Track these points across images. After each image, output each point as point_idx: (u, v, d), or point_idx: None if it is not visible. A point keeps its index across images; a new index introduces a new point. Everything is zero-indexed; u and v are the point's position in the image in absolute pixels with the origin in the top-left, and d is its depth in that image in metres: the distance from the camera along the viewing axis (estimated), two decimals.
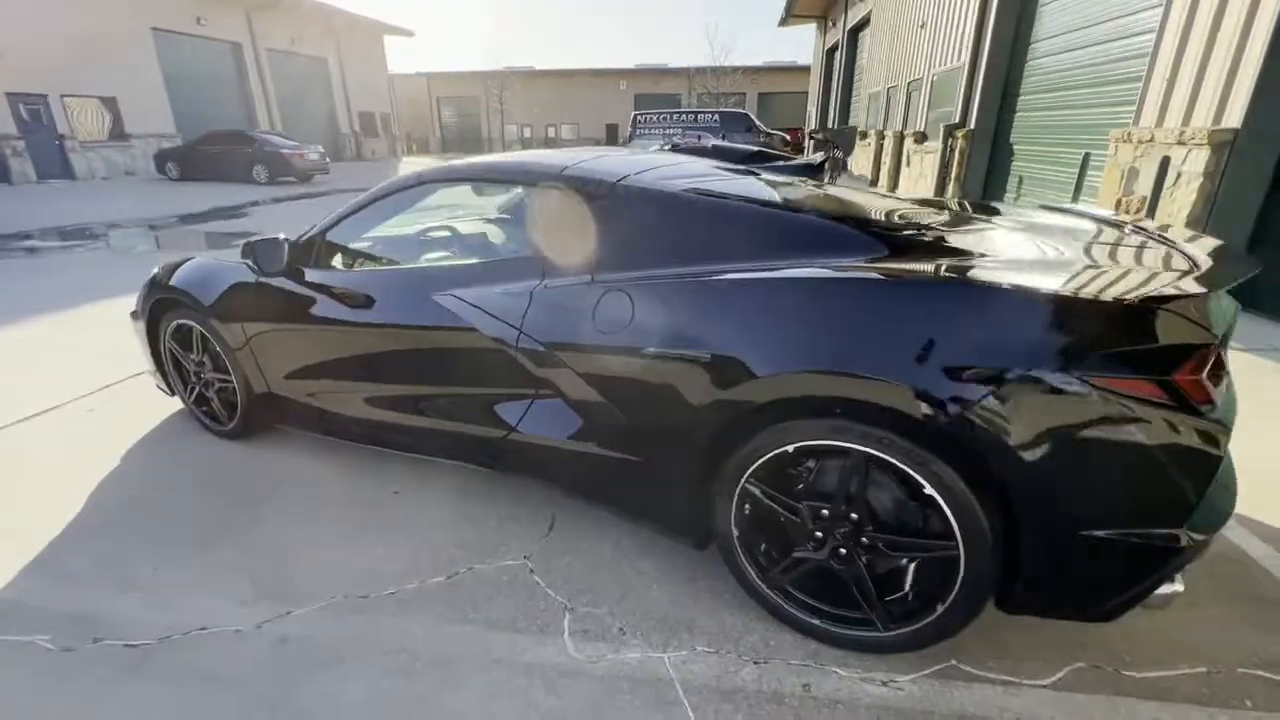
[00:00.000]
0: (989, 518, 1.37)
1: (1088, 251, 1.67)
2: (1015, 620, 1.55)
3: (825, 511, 1.57)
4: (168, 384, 2.98)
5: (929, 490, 1.39)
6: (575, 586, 1.93)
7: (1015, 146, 8.34)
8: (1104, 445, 1.23)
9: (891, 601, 1.57)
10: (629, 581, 1.95)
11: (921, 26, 11.44)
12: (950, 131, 9.34)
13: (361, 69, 28.28)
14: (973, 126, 8.93)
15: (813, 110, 25.04)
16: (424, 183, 2.31)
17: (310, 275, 2.37)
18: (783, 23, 24.83)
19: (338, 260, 2.45)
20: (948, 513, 1.39)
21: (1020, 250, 1.65)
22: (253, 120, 22.19)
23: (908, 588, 1.55)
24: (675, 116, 18.82)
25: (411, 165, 26.12)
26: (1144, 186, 5.08)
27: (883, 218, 1.91)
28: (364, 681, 1.60)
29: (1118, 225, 2.10)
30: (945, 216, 2.02)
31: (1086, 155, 6.07)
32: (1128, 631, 1.70)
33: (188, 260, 2.83)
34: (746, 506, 1.67)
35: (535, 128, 42.69)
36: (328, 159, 17.51)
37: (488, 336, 1.94)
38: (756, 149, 9.26)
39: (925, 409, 1.32)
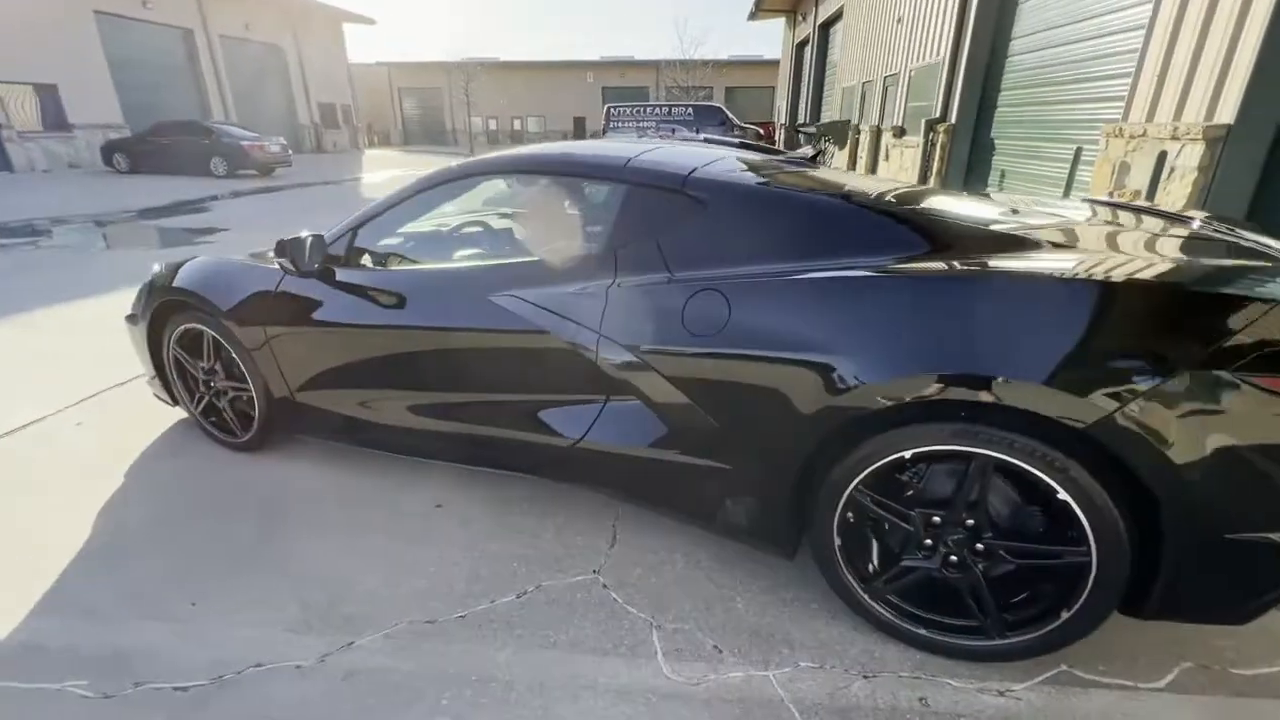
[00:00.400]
0: (1125, 522, 1.32)
1: (1189, 248, 1.65)
2: (1112, 621, 1.51)
3: (938, 518, 1.51)
4: (170, 393, 2.76)
5: (1062, 495, 1.34)
6: (654, 602, 1.83)
7: (996, 141, 8.50)
8: (1259, 445, 1.20)
9: (1008, 609, 1.51)
10: (709, 595, 1.86)
11: (898, 21, 11.56)
12: (931, 126, 9.47)
13: (320, 58, 27.21)
14: (954, 121, 9.06)
15: (782, 105, 25.17)
16: (467, 176, 2.16)
17: (348, 275, 2.20)
18: (752, 17, 24.87)
19: (377, 259, 2.28)
20: (1081, 518, 1.34)
21: (1134, 247, 1.62)
22: (206, 111, 21.15)
23: (1028, 595, 1.50)
24: (649, 109, 18.74)
25: (374, 158, 25.35)
26: (1136, 180, 5.21)
27: (978, 213, 1.85)
28: (450, 717, 1.48)
29: (1184, 220, 2.10)
30: (1027, 212, 1.98)
31: (1079, 150, 6.20)
32: (1221, 629, 1.68)
33: (191, 260, 2.62)
34: (850, 515, 1.59)
35: (501, 120, 41.97)
36: (290, 151, 16.81)
37: (561, 340, 1.82)
38: (739, 142, 9.25)
39: (1070, 412, 1.26)
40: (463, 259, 2.33)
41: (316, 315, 2.23)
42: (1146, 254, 1.54)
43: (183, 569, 1.99)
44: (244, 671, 1.60)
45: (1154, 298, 1.27)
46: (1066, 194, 6.40)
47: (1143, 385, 1.22)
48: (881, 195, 1.87)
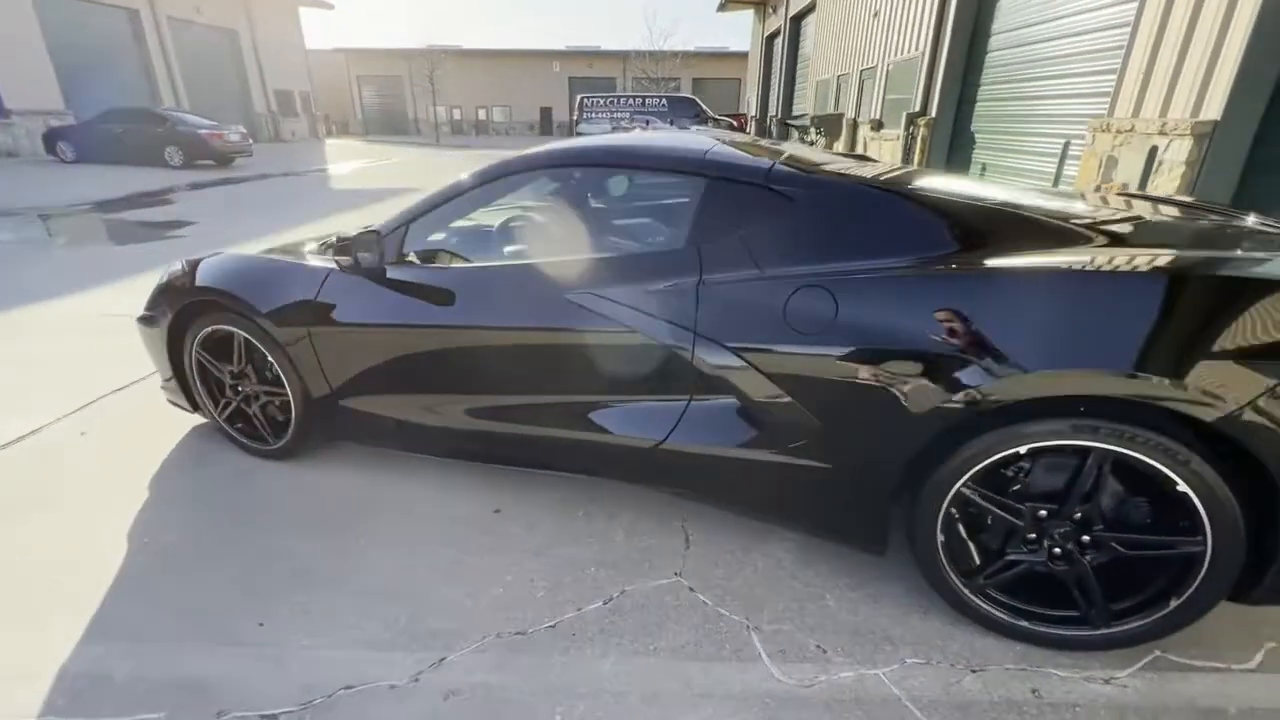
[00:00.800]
0: (1242, 510, 1.35)
1: (1268, 242, 1.69)
2: None
3: (1045, 511, 1.52)
4: (189, 399, 2.59)
5: (1181, 487, 1.36)
6: (746, 604, 1.81)
7: (977, 135, 8.70)
8: None
9: (1114, 598, 1.54)
10: (798, 593, 1.85)
11: (875, 16, 11.71)
12: (912, 120, 9.64)
13: (276, 43, 26.13)
14: (934, 115, 9.24)
15: (752, 97, 25.29)
16: (529, 169, 2.08)
17: (403, 274, 2.09)
18: (721, 8, 24.88)
19: (433, 256, 2.17)
20: (1199, 508, 1.37)
21: (1230, 244, 1.66)
22: (155, 97, 20.06)
23: (1135, 584, 1.53)
24: (623, 100, 18.56)
25: (337, 147, 24.51)
26: (1123, 174, 5.39)
27: (1058, 206, 1.87)
28: None
29: (1226, 213, 2.16)
30: (1100, 206, 2.01)
31: (1067, 143, 6.39)
32: None
33: (210, 257, 2.46)
34: (954, 511, 1.59)
35: (465, 110, 41.12)
36: (250, 141, 16.12)
37: (648, 339, 1.76)
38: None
39: (1200, 405, 1.28)
40: (529, 256, 2.24)
41: (367, 315, 2.12)
42: (1247, 250, 1.58)
43: (237, 586, 1.87)
44: (334, 694, 1.52)
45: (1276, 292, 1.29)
46: (1055, 187, 6.58)
47: (1271, 379, 1.25)
48: (960, 190, 1.87)
